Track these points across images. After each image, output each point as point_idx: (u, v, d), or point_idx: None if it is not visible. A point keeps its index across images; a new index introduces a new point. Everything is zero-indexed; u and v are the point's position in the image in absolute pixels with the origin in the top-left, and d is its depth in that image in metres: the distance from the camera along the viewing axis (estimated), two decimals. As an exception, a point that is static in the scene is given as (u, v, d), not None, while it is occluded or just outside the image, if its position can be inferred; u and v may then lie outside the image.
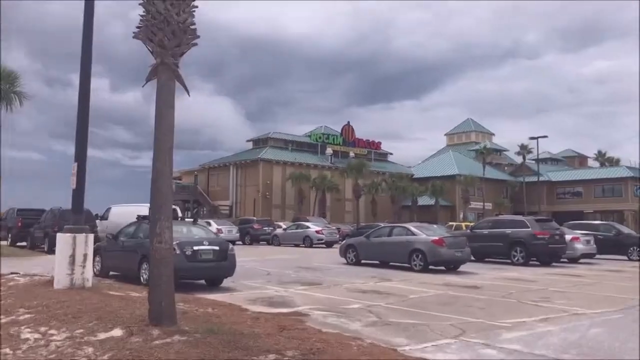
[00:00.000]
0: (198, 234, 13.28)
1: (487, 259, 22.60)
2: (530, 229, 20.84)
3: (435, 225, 39.17)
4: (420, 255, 17.68)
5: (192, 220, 14.19)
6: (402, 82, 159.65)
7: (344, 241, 21.48)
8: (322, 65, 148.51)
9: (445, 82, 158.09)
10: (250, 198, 59.69)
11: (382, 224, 26.20)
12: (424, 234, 18.27)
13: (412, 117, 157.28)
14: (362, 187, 58.63)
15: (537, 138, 53.18)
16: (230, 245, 13.12)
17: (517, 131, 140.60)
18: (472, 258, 20.45)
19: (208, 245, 12.56)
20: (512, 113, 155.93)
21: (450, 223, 46.16)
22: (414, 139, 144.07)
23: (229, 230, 33.32)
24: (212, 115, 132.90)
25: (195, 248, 12.30)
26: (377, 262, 19.85)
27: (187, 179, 68.20)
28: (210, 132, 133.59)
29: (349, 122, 68.60)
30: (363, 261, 19.95)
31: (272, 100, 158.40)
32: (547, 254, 20.96)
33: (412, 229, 18.69)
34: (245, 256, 22.98)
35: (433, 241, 17.66)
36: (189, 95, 7.60)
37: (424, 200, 64.89)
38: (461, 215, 64.14)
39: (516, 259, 20.94)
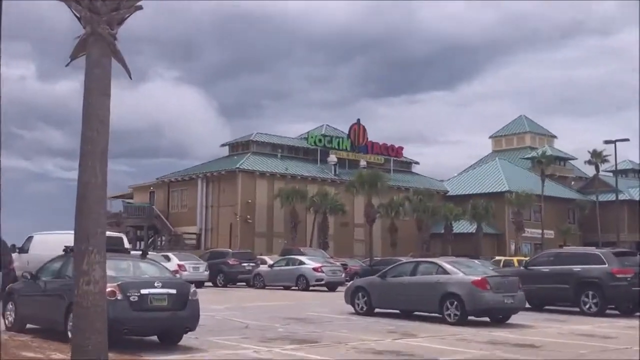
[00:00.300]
0: (148, 272, 13.13)
1: (547, 307, 22.39)
2: (606, 266, 20.64)
3: (476, 261, 38.93)
4: (455, 302, 17.48)
5: (140, 253, 13.95)
6: (431, 67, 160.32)
7: (351, 282, 21.24)
8: (325, 45, 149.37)
9: (489, 67, 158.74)
10: (225, 223, 59.62)
11: (403, 259, 25.99)
12: (460, 272, 18.05)
13: (446, 114, 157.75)
14: (376, 208, 58.54)
15: (614, 142, 53.12)
16: (192, 288, 12.95)
17: (588, 133, 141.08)
18: (527, 305, 20.10)
19: (161, 287, 12.41)
20: (581, 109, 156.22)
21: (498, 257, 45.94)
22: (447, 142, 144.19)
23: (194, 267, 33.23)
24: (176, 112, 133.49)
25: (144, 292, 12.13)
26: (396, 310, 19.62)
27: (141, 198, 68.41)
28: (174, 134, 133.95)
29: (359, 120, 68.50)
30: (377, 310, 19.75)
31: (257, 92, 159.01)
32: (630, 299, 20.67)
33: (445, 265, 18.47)
34: (215, 303, 22.70)
35: (474, 282, 17.44)
36: (131, 78, 7.40)
37: (462, 227, 64.76)
38: (512, 247, 63.97)
39: (587, 306, 20.71)
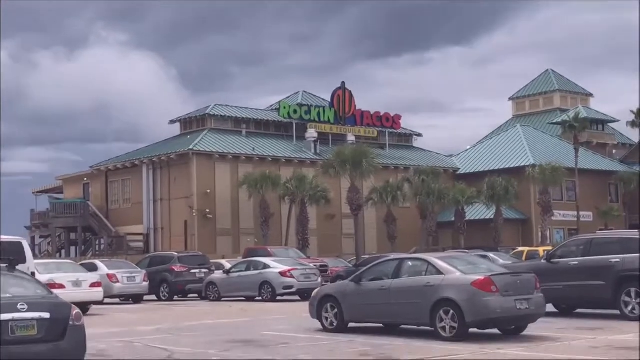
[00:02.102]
0: (13, 290, 11.98)
1: (577, 310, 21.65)
2: None
3: (489, 255, 37.76)
4: (451, 311, 16.52)
5: (6, 265, 12.70)
6: (442, 16, 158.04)
7: (317, 290, 20.04)
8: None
9: (515, 14, 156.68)
10: (178, 220, 58.58)
11: (392, 256, 24.60)
12: (457, 270, 17.02)
13: (462, 75, 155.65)
14: (365, 194, 57.33)
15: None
16: (75, 310, 11.89)
17: (632, 90, 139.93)
18: (554, 309, 19.06)
19: (27, 311, 11.37)
20: (624, 61, 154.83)
21: (520, 249, 44.81)
22: (464, 111, 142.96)
23: (129, 277, 32.18)
24: (127, 85, 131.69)
25: (3, 318, 11.11)
26: (376, 324, 18.72)
27: (73, 192, 67.25)
28: (125, 113, 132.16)
29: (343, 84, 66.94)
30: (352, 324, 18.81)
31: (225, 57, 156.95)
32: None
33: (437, 262, 17.32)
34: (146, 323, 21.93)
35: (474, 284, 16.45)
36: None
37: (477, 212, 63.97)
38: (539, 235, 62.92)
39: (630, 308, 19.72)
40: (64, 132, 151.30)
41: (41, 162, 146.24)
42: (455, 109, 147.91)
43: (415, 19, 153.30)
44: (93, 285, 25.92)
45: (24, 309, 11.23)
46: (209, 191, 57.75)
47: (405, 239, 59.34)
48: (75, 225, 62.41)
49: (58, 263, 29.71)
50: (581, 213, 64.15)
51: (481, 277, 16.55)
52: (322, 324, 18.91)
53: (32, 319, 11.22)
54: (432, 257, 17.85)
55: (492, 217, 61.06)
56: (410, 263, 18.17)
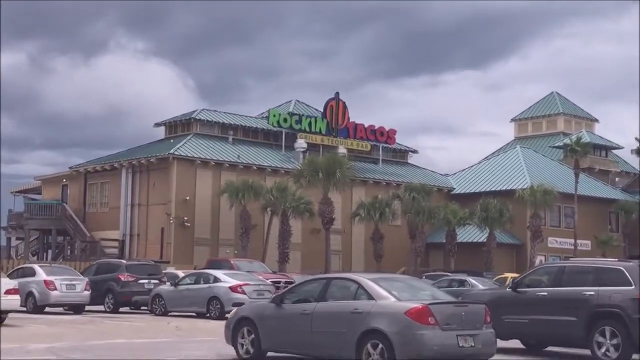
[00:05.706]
0: None
1: (545, 349, 18.92)
2: (632, 288, 16.51)
3: (469, 279, 34.72)
4: (380, 345, 13.81)
5: None
6: (458, 40, 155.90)
7: (234, 311, 17.07)
8: (326, 12, 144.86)
9: (532, 42, 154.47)
10: (155, 226, 55.79)
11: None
12: (391, 296, 14.09)
13: (475, 98, 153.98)
14: (353, 209, 54.38)
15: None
16: None
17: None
18: (520, 345, 16.63)
19: None
20: (632, 93, 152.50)
21: (506, 274, 41.80)
22: (474, 134, 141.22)
23: (68, 286, 29.11)
24: (143, 92, 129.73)
25: None
26: (297, 355, 15.83)
27: (52, 193, 64.64)
28: (140, 121, 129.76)
29: (337, 94, 64.04)
30: (270, 353, 16.03)
31: (241, 70, 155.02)
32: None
33: (369, 284, 14.57)
34: (48, 339, 19.13)
35: (409, 313, 13.84)
36: None
37: (470, 234, 61.12)
38: (537, 261, 60.01)
39: (604, 350, 16.67)
40: (74, 137, 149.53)
41: (50, 165, 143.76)
42: (467, 131, 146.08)
43: (431, 42, 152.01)
44: (8, 292, 22.89)
45: None
46: (188, 198, 54.78)
47: (393, 259, 56.95)
48: (50, 227, 59.56)
49: None
50: (579, 241, 61.05)
51: (418, 306, 13.69)
52: (237, 352, 16.07)
53: None
54: (364, 278, 14.92)
55: (485, 240, 58.20)
56: (338, 284, 15.33)
